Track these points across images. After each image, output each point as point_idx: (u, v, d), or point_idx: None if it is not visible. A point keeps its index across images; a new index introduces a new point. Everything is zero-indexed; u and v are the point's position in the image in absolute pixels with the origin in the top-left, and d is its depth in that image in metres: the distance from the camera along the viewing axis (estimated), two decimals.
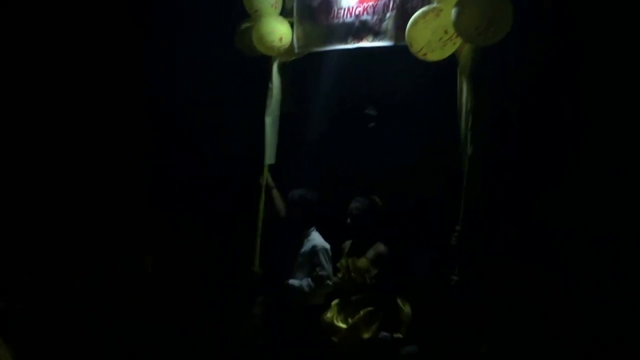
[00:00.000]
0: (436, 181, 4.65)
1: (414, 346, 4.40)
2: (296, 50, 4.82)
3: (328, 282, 4.62)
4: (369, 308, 4.40)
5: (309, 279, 4.64)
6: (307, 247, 4.75)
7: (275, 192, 5.01)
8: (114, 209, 5.39)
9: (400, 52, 4.16)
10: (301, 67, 5.04)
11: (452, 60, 4.07)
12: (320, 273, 4.61)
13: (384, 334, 4.39)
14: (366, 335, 4.35)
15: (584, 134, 4.05)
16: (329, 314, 4.53)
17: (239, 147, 5.29)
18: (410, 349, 4.40)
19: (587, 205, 4.03)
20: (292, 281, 4.69)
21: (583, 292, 3.85)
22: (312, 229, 4.84)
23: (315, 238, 4.78)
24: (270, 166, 5.03)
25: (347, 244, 4.76)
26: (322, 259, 4.66)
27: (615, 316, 3.74)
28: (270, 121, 5.02)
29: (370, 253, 4.52)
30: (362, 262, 4.48)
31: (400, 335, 4.41)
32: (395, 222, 4.67)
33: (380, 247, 4.51)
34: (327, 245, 4.77)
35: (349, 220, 4.63)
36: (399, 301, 4.51)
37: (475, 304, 3.98)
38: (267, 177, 5.00)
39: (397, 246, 4.53)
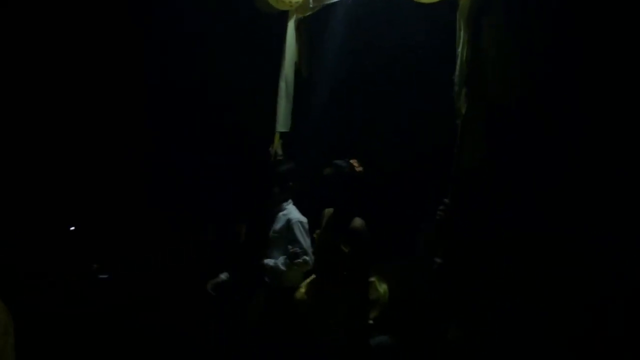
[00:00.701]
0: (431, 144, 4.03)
1: (385, 337, 3.81)
2: (311, 5, 4.49)
3: (305, 258, 4.15)
4: (339, 289, 3.84)
5: (285, 257, 4.21)
6: (282, 222, 4.33)
7: None
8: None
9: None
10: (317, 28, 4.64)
11: None
12: (293, 249, 4.16)
13: (355, 321, 3.82)
14: (332, 320, 3.82)
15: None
16: (301, 290, 4.04)
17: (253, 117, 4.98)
18: (381, 339, 3.82)
19: (588, 191, 3.40)
20: (267, 260, 4.28)
21: (577, 283, 3.26)
22: (288, 202, 4.40)
23: (291, 212, 4.35)
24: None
25: (327, 212, 4.17)
26: (298, 233, 4.20)
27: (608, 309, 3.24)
28: (284, 86, 4.66)
29: (344, 228, 3.89)
30: (338, 241, 3.88)
31: (369, 321, 3.84)
32: (381, 190, 4.10)
33: (355, 221, 3.85)
34: (304, 219, 4.31)
35: (323, 187, 4.05)
36: (375, 280, 3.95)
37: (455, 290, 3.34)
38: (277, 145, 4.63)
39: (381, 219, 3.95)
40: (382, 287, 3.97)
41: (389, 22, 4.44)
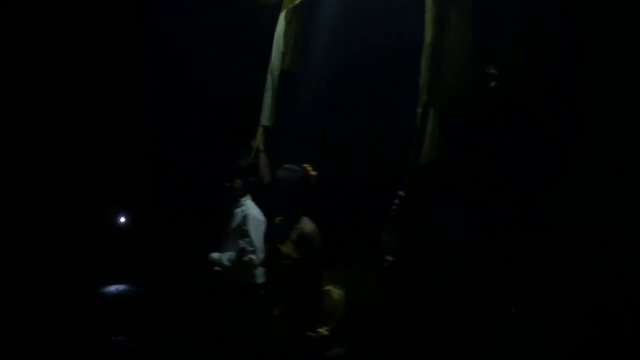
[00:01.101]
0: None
1: (341, 348, 3.51)
2: None
3: (251, 256, 3.92)
4: (289, 301, 3.56)
5: (231, 253, 4.00)
6: (238, 218, 4.11)
7: (263, 157, 4.42)
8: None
9: None
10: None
11: None
12: (242, 246, 3.93)
13: (308, 333, 3.52)
14: (285, 334, 3.54)
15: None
16: None
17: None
18: (336, 352, 3.52)
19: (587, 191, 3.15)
20: (213, 254, 4.07)
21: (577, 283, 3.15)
22: (246, 198, 4.18)
23: (249, 208, 4.13)
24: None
25: (279, 220, 3.88)
26: (252, 230, 3.98)
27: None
28: (271, 79, 4.49)
29: (294, 234, 3.60)
30: (287, 246, 3.60)
31: (325, 332, 3.54)
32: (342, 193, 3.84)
33: (306, 227, 3.56)
34: (261, 217, 4.09)
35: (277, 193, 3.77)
36: (329, 288, 3.68)
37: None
38: (260, 140, 4.45)
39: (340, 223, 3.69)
40: (338, 295, 3.71)
41: (383, 14, 4.21)
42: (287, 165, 3.69)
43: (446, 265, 3.12)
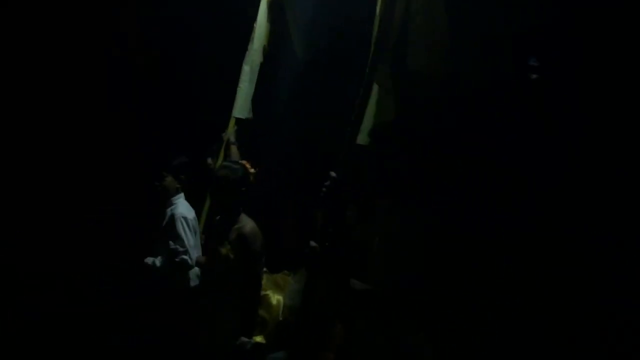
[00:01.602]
0: None
1: (280, 352, 3.20)
2: None
3: (183, 257, 3.72)
4: (224, 305, 3.34)
5: (163, 257, 3.84)
6: (167, 217, 3.96)
7: (233, 149, 4.22)
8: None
9: None
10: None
11: None
12: (172, 247, 3.73)
13: (242, 339, 3.25)
14: (219, 340, 3.31)
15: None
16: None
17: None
18: (276, 356, 3.21)
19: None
20: (147, 259, 3.90)
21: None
22: (177, 196, 4.05)
23: (178, 206, 3.99)
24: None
25: (217, 220, 3.65)
26: (180, 229, 3.84)
27: None
28: (248, 69, 4.30)
29: (232, 234, 3.35)
30: (225, 246, 3.36)
31: (261, 340, 3.29)
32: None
33: (245, 227, 3.32)
34: (189, 214, 3.93)
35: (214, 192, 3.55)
36: (268, 293, 3.41)
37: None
38: (231, 132, 4.25)
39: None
40: (277, 300, 3.43)
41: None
42: (226, 163, 3.54)
43: (381, 262, 2.79)
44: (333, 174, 2.81)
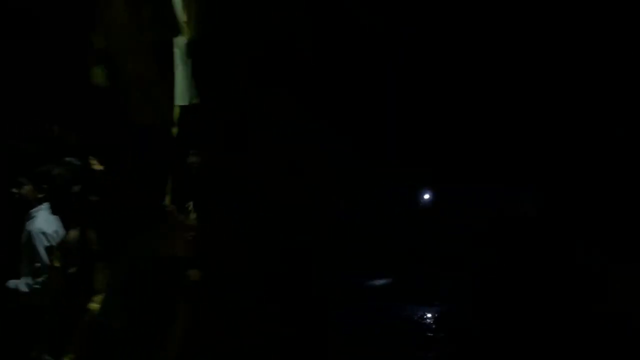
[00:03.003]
0: None
1: None
2: None
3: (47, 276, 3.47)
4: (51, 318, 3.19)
5: (26, 278, 3.60)
6: (25, 233, 3.67)
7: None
8: None
9: None
10: None
11: None
12: (36, 265, 3.52)
13: (45, 357, 3.08)
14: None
15: None
16: None
17: None
18: None
19: None
20: (9, 282, 3.65)
21: None
22: (39, 207, 3.71)
23: (36, 220, 3.66)
24: None
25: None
26: (39, 246, 3.57)
27: None
28: (178, 52, 4.07)
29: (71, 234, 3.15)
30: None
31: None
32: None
33: (69, 235, 3.15)
34: (49, 228, 3.64)
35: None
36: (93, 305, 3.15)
37: None
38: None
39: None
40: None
41: None
42: (66, 159, 3.28)
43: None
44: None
